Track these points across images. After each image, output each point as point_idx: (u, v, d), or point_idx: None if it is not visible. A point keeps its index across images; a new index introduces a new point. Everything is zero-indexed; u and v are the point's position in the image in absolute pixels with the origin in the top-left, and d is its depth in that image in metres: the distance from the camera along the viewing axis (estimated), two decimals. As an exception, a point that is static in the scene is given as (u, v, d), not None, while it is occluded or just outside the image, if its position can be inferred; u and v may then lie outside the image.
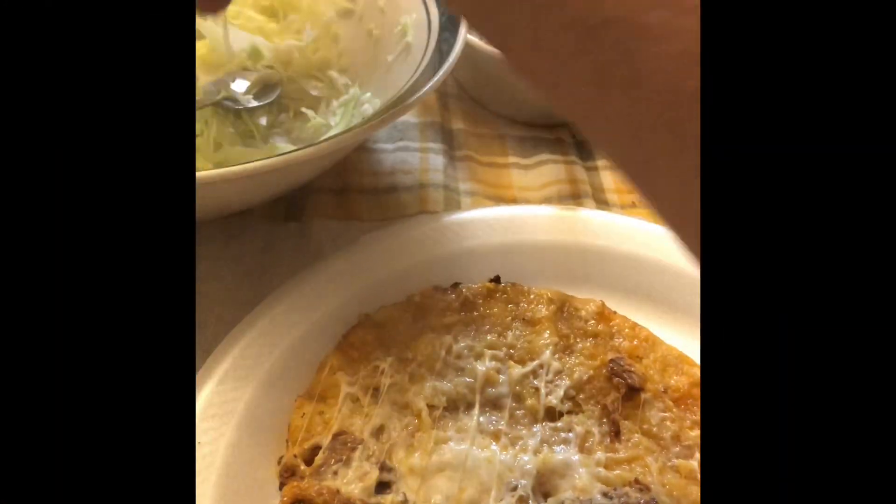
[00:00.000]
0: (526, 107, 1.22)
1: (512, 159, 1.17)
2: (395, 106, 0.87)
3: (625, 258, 0.97)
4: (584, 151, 1.19)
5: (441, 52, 0.98)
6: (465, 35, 0.99)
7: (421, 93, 0.89)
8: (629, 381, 0.84)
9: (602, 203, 1.10)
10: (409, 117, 1.17)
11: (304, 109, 1.02)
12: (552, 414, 0.82)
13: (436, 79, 0.91)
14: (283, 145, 0.98)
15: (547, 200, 1.09)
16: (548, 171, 1.14)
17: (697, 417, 0.83)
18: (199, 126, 0.98)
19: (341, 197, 1.03)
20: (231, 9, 1.02)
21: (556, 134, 1.22)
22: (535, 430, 0.80)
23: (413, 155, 1.11)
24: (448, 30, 1.02)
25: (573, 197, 1.09)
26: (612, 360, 0.86)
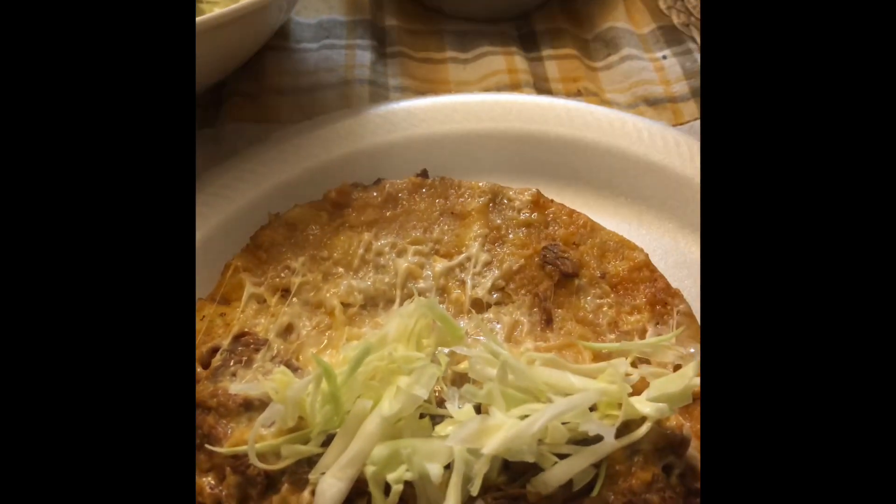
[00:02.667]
0: (476, 1, 1.13)
1: (450, 54, 1.09)
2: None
3: (563, 143, 0.89)
4: (527, 43, 1.11)
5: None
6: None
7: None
8: (562, 267, 0.78)
9: (544, 92, 1.02)
10: (336, 15, 1.09)
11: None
12: (480, 306, 0.76)
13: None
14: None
15: (485, 92, 1.01)
16: (487, 63, 1.06)
17: (637, 302, 0.76)
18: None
19: (258, 99, 0.96)
20: None
21: (499, 27, 1.13)
22: (460, 323, 0.74)
23: (339, 53, 1.03)
24: None
25: (512, 87, 1.02)
26: (545, 248, 0.79)
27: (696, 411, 0.68)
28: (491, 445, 0.55)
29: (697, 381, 0.61)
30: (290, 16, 1.05)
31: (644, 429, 0.61)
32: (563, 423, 0.59)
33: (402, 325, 0.67)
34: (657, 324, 0.74)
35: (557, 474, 0.58)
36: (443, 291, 0.77)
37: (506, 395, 0.60)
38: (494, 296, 0.76)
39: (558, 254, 0.79)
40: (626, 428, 0.62)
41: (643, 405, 0.62)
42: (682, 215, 0.85)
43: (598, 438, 0.59)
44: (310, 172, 0.85)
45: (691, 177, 0.85)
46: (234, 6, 0.75)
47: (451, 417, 0.60)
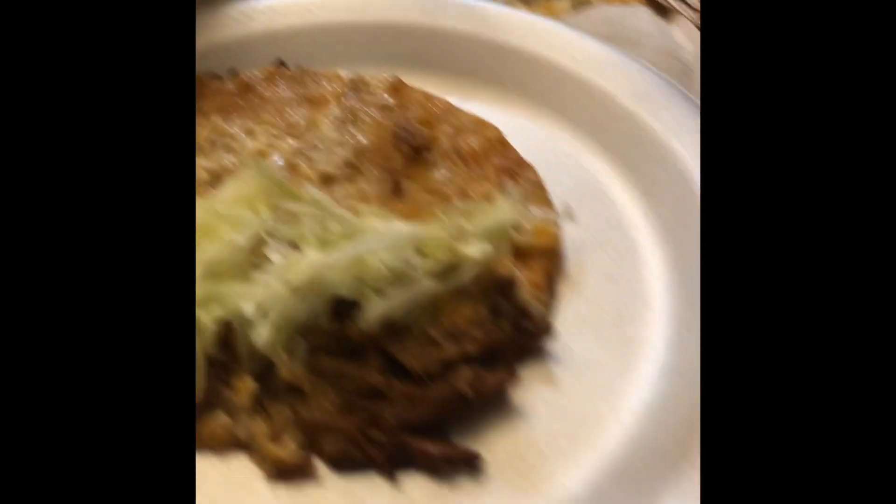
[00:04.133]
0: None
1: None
2: None
3: (423, 33, 0.89)
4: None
5: None
6: None
7: None
8: (413, 142, 0.78)
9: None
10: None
11: None
12: (329, 181, 0.75)
13: None
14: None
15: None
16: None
17: (486, 173, 0.77)
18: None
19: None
20: None
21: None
22: (307, 196, 0.73)
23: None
24: None
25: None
26: (398, 126, 0.79)
27: (534, 263, 0.69)
28: (299, 277, 0.55)
29: (511, 215, 0.62)
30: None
31: (467, 269, 0.62)
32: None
33: (235, 188, 0.67)
34: (505, 191, 0.75)
35: (376, 310, 0.58)
36: (292, 168, 0.76)
37: (324, 238, 0.60)
38: (344, 171, 0.76)
39: (411, 130, 0.79)
40: (453, 271, 0.62)
41: (468, 248, 0.62)
42: (539, 97, 0.86)
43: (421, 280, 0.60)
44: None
45: (548, 58, 0.85)
46: None
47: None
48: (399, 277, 0.59)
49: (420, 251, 0.62)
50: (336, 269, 0.56)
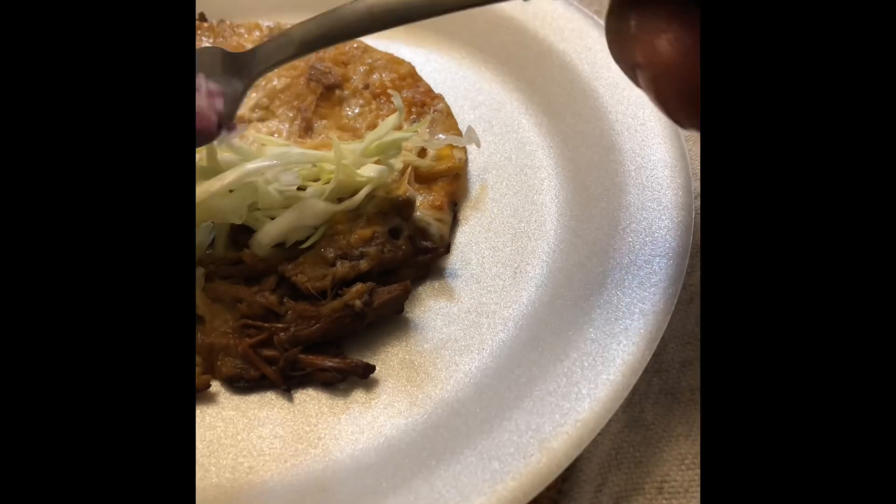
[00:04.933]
0: None
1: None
2: None
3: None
4: None
5: None
6: None
7: None
8: (324, 80, 0.79)
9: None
10: None
11: None
12: (241, 122, 0.77)
13: None
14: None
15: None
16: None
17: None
18: None
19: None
20: None
21: None
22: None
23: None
24: None
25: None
26: (311, 66, 0.81)
27: (437, 186, 0.70)
28: None
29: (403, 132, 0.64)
30: None
31: (363, 192, 0.64)
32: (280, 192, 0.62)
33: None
34: (414, 122, 0.76)
35: (268, 232, 0.60)
36: (205, 114, 0.78)
37: (217, 169, 0.62)
38: (257, 113, 0.78)
39: (324, 69, 0.80)
40: (348, 193, 0.64)
41: (364, 171, 0.64)
42: (452, 31, 0.86)
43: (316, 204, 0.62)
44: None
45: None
46: None
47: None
48: (291, 201, 0.61)
49: (314, 175, 0.63)
50: (218, 195, 0.58)
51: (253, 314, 0.59)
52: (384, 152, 0.65)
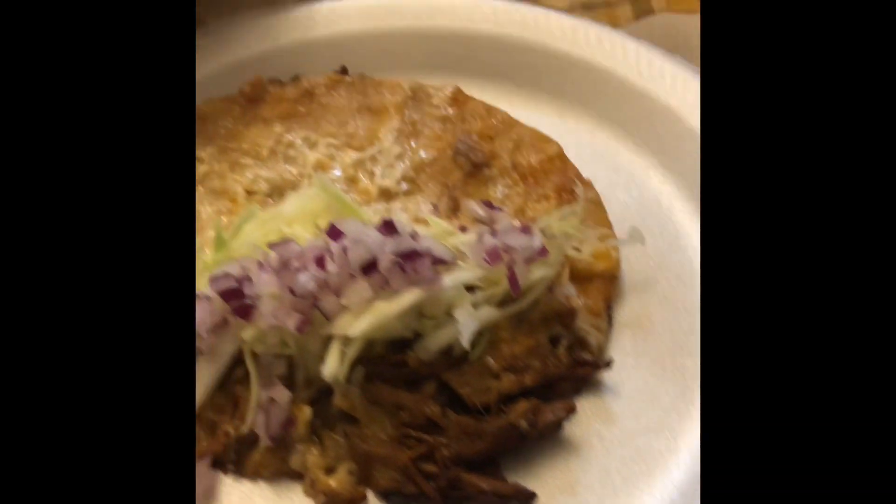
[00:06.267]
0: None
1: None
2: None
3: (485, 41, 0.88)
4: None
5: None
6: None
7: None
8: (473, 157, 0.77)
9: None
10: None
11: None
12: (388, 196, 0.76)
13: None
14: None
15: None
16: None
17: (546, 191, 0.76)
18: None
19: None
20: None
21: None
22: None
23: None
24: None
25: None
26: (458, 140, 0.79)
27: (592, 288, 0.68)
28: (357, 328, 0.55)
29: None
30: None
31: (530, 297, 0.62)
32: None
33: (298, 204, 0.68)
34: (565, 211, 0.74)
35: (435, 341, 0.58)
36: (352, 181, 0.76)
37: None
38: (404, 186, 0.76)
39: (471, 145, 0.78)
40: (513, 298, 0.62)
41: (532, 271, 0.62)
42: (601, 109, 0.84)
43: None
44: (227, 69, 0.84)
45: (611, 70, 0.84)
46: None
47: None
48: (458, 307, 0.59)
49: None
50: (392, 318, 0.56)
51: (414, 423, 0.58)
52: (554, 245, 0.63)
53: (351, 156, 0.78)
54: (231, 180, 0.75)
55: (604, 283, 0.68)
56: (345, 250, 0.57)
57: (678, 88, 0.80)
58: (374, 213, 0.74)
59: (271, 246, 0.58)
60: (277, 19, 0.88)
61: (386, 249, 0.57)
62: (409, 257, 0.57)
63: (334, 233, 0.58)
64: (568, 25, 0.87)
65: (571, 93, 0.85)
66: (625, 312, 0.69)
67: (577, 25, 0.86)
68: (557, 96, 0.86)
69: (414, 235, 0.59)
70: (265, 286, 0.57)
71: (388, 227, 0.58)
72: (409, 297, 0.56)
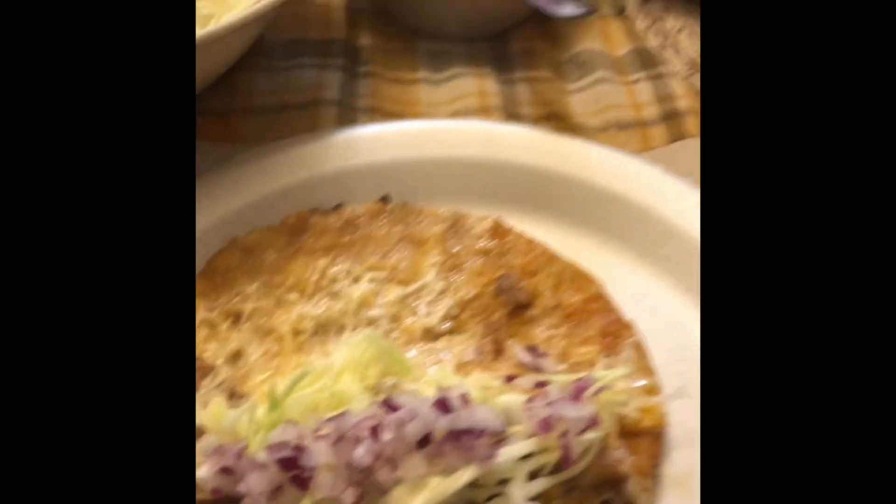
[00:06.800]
0: (452, 18, 1.13)
1: (422, 74, 1.09)
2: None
3: (526, 171, 0.89)
4: (501, 63, 1.11)
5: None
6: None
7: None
8: (516, 297, 0.78)
9: (513, 116, 1.02)
10: (310, 34, 1.09)
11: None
12: (431, 335, 0.76)
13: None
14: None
15: (454, 116, 1.02)
16: (458, 85, 1.06)
17: (589, 333, 0.76)
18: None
19: (225, 119, 0.96)
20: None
21: (474, 48, 1.13)
22: (408, 353, 0.74)
23: (309, 72, 1.03)
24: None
25: (481, 111, 1.01)
26: (500, 277, 0.80)
27: (639, 444, 0.68)
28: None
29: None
30: (262, 34, 1.05)
31: (583, 464, 0.62)
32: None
33: (348, 355, 0.68)
34: (607, 355, 0.74)
35: (489, 512, 0.58)
36: (395, 319, 0.77)
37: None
38: (447, 325, 0.77)
39: (513, 283, 0.79)
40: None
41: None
42: (641, 245, 0.85)
43: (532, 475, 0.60)
44: (270, 197, 0.85)
45: (652, 206, 0.85)
46: (233, 16, 0.76)
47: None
48: (512, 479, 0.59)
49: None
50: (448, 495, 0.56)
51: None
52: (606, 411, 0.63)
53: (395, 291, 0.78)
54: (277, 319, 0.75)
55: (651, 439, 0.68)
56: (400, 423, 0.57)
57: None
58: (419, 353, 0.74)
59: (327, 421, 0.58)
60: (319, 146, 0.90)
61: (441, 424, 0.57)
62: (464, 433, 0.57)
63: (390, 406, 0.58)
64: (607, 158, 0.88)
65: (611, 227, 0.86)
66: (671, 468, 0.69)
67: (618, 159, 0.88)
68: (597, 230, 0.87)
69: (467, 406, 0.59)
70: (322, 457, 0.57)
71: (442, 405, 0.58)
72: (464, 474, 0.56)
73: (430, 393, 0.62)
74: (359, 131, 0.91)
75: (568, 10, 0.92)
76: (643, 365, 0.74)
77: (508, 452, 0.59)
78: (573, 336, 0.76)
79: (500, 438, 0.60)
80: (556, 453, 0.60)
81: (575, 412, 0.60)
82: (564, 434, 0.60)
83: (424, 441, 0.57)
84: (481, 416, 0.59)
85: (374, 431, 0.57)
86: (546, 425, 0.60)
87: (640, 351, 0.75)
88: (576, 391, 0.63)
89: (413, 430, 0.56)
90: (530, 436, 0.60)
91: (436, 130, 0.92)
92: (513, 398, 0.64)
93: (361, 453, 0.56)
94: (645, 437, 0.68)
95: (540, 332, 0.77)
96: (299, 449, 0.57)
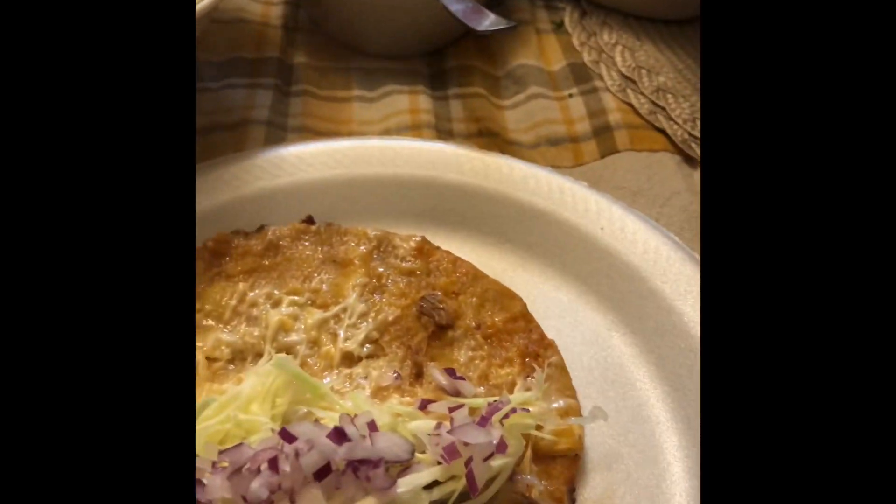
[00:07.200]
0: (388, 35, 1.12)
1: (356, 92, 1.08)
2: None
3: (451, 189, 0.89)
4: (436, 81, 1.11)
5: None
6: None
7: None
8: (437, 319, 0.77)
9: (444, 133, 1.02)
10: (244, 53, 1.08)
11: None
12: (351, 360, 0.75)
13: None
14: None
15: (386, 133, 1.01)
16: (391, 102, 1.05)
17: (510, 354, 0.76)
18: None
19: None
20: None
21: (410, 65, 1.13)
22: (325, 379, 0.73)
23: (239, 92, 1.02)
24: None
25: (413, 128, 1.01)
26: (423, 298, 0.79)
27: (554, 469, 0.67)
28: None
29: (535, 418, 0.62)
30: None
31: (493, 489, 0.61)
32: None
33: (257, 384, 0.67)
34: (527, 377, 0.74)
35: (391, 544, 0.57)
36: (314, 344, 0.76)
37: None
38: (366, 348, 0.76)
39: (435, 304, 0.78)
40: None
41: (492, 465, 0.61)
42: (565, 262, 0.85)
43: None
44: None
45: (575, 224, 0.84)
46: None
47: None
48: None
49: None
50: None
51: None
52: (513, 436, 0.63)
53: (314, 315, 0.77)
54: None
55: (566, 463, 0.68)
56: (297, 453, 0.56)
57: (639, 248, 0.81)
58: (337, 379, 0.73)
59: (222, 453, 0.57)
60: (243, 166, 0.88)
61: (339, 454, 0.56)
62: (363, 463, 0.56)
63: (287, 436, 0.57)
64: (532, 175, 0.88)
65: (536, 245, 0.86)
66: (587, 493, 0.68)
67: (543, 176, 0.88)
68: (522, 247, 0.86)
69: (369, 436, 0.58)
70: (217, 492, 0.55)
71: (340, 434, 0.57)
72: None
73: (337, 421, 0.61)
74: (284, 151, 0.90)
75: (488, 23, 0.92)
76: (563, 385, 0.74)
77: (411, 481, 0.57)
78: (494, 357, 0.76)
79: (405, 467, 0.59)
80: (462, 481, 0.60)
81: (479, 437, 0.59)
82: (469, 461, 0.59)
83: (323, 472, 0.56)
84: (383, 444, 0.58)
85: (273, 463, 0.56)
86: (452, 452, 0.59)
87: (560, 371, 0.75)
88: (484, 415, 0.62)
89: (310, 462, 0.55)
90: (436, 463, 0.59)
91: (362, 149, 0.91)
92: (422, 424, 0.63)
93: (257, 486, 0.55)
94: (560, 460, 0.68)
95: (461, 354, 0.76)
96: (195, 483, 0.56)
